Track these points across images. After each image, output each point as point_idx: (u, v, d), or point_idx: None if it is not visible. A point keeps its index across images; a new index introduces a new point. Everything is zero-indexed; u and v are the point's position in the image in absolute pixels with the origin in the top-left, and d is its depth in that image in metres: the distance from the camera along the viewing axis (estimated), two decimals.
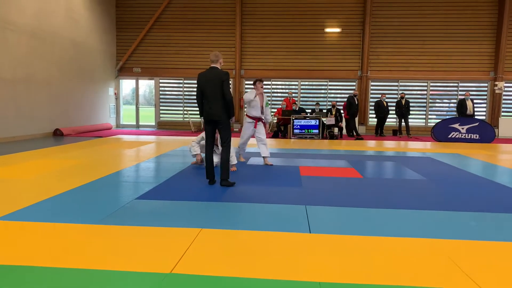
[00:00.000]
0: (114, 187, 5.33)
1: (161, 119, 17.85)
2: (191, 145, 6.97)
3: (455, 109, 15.22)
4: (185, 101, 17.72)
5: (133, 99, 18.49)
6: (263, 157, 7.37)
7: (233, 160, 6.63)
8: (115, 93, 17.66)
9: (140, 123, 18.19)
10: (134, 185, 5.54)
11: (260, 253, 3.00)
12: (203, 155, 6.72)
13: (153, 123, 18.02)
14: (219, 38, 16.91)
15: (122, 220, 3.78)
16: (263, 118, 7.32)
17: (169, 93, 17.96)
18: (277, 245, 3.17)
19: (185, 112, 17.52)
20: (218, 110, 5.19)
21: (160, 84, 17.72)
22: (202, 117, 5.42)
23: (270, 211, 4.19)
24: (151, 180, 5.75)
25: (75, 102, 14.41)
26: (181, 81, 17.60)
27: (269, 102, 5.57)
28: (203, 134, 6.73)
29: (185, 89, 17.70)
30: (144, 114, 18.65)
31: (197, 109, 17.15)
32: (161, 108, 17.87)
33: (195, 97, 17.44)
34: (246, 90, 17.41)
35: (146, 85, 18.95)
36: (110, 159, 7.84)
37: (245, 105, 7.29)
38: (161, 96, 17.82)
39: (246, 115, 7.25)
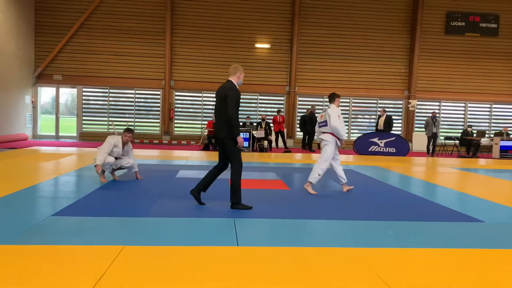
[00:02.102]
0: (27, 203, 4.90)
1: (83, 130, 16.88)
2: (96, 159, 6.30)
3: (374, 124, 16.51)
4: (110, 111, 16.96)
5: (53, 108, 17.29)
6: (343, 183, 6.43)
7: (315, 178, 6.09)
8: (32, 101, 16.39)
9: (60, 134, 17.03)
10: (51, 200, 5.14)
11: (187, 269, 2.92)
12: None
13: (75, 134, 16.97)
14: (148, 47, 16.52)
15: (35, 240, 3.48)
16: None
17: (93, 103, 17.08)
18: (204, 260, 3.11)
19: (111, 123, 16.77)
20: (221, 127, 4.82)
21: (83, 93, 16.80)
22: None
23: (197, 225, 4.12)
24: (70, 195, 5.38)
25: None
26: (107, 90, 16.84)
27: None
28: (107, 140, 6.35)
29: (110, 98, 16.96)
30: (65, 124, 17.50)
31: (124, 119, 16.69)
32: (83, 118, 16.91)
33: (121, 107, 17.02)
34: (177, 101, 17.15)
35: (68, 94, 17.85)
36: (24, 172, 7.22)
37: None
38: (84, 106, 16.88)
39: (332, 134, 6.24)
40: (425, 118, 15.64)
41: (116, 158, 6.48)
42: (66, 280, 2.66)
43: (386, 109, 16.03)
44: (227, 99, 4.75)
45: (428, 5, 17.22)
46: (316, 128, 6.66)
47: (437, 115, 15.42)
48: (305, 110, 16.09)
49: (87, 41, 16.28)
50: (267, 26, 16.99)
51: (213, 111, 16.47)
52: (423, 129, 15.37)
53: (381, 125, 14.54)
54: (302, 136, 15.86)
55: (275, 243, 3.61)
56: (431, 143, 14.70)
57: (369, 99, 17.76)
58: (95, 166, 6.32)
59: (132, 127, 7.03)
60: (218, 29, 16.76)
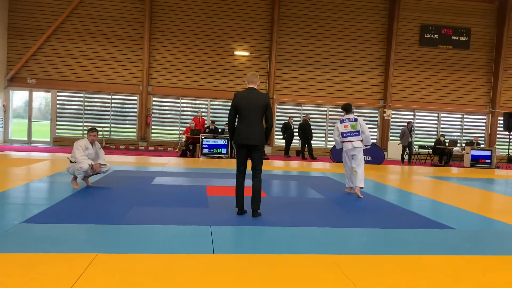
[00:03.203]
0: None
1: (57, 135, 16.48)
2: (78, 162, 6.10)
3: None
4: (85, 116, 16.63)
5: (26, 112, 16.83)
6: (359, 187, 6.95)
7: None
8: (3, 105, 15.91)
9: (32, 139, 16.57)
10: (21, 207, 4.99)
11: (162, 277, 2.88)
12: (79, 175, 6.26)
13: (48, 139, 16.55)
14: (126, 52, 16.33)
15: (4, 247, 3.36)
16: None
17: (68, 107, 16.71)
18: (179, 268, 3.07)
19: (86, 128, 16.42)
20: (257, 135, 4.83)
21: (58, 97, 16.43)
22: (233, 141, 4.97)
23: (173, 233, 4.07)
24: (42, 202, 5.23)
25: None
26: (82, 95, 16.53)
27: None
28: (77, 146, 6.17)
29: (86, 103, 16.65)
30: (38, 129, 17.07)
31: (99, 125, 16.34)
32: (58, 123, 16.51)
33: (96, 112, 16.71)
34: (154, 106, 16.98)
35: (41, 98, 17.42)
36: None
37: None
38: (58, 110, 16.50)
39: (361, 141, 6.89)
40: (401, 128, 15.98)
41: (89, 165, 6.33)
42: None
43: (333, 117, 16.26)
44: (269, 108, 4.91)
45: (403, 17, 17.70)
46: (337, 138, 7.05)
47: (413, 125, 15.76)
48: (287, 118, 16.12)
49: (63, 45, 15.97)
50: (246, 34, 17.08)
51: (191, 117, 16.45)
52: (398, 139, 15.67)
53: None
54: (284, 144, 15.79)
55: (251, 251, 3.60)
56: (406, 152, 15.01)
57: None
58: (89, 165, 6.14)
59: (98, 128, 6.87)
60: (197, 35, 16.74)
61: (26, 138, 16.51)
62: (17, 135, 16.92)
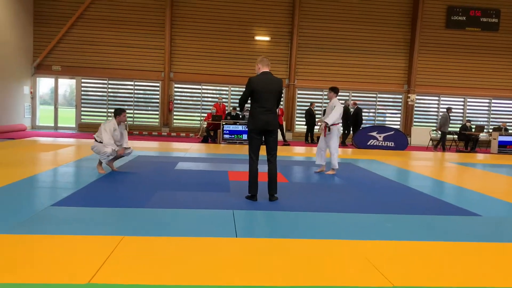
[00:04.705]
0: (27, 193, 4.91)
1: (82, 121, 16.86)
2: (104, 144, 6.21)
3: (373, 118, 17.48)
4: (109, 102, 16.93)
5: (52, 99, 17.25)
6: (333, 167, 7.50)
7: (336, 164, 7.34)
8: (30, 92, 16.34)
9: (59, 125, 17.01)
10: (50, 190, 5.16)
11: (185, 259, 2.94)
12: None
13: (74, 125, 16.95)
14: (148, 39, 16.44)
15: (34, 229, 3.49)
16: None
17: (92, 94, 17.04)
18: (203, 251, 3.13)
19: (110, 114, 16.73)
20: (275, 119, 4.86)
21: (82, 84, 16.75)
22: (251, 127, 4.83)
23: (196, 217, 4.13)
24: (70, 186, 5.39)
25: None
26: (106, 82, 16.80)
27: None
28: (105, 128, 6.29)
29: (109, 90, 16.92)
30: (64, 115, 17.48)
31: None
32: (82, 109, 16.88)
33: (120, 98, 16.95)
34: (176, 93, 17.11)
35: (67, 85, 17.80)
36: (23, 162, 7.22)
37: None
38: (83, 97, 16.84)
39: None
40: (426, 113, 15.55)
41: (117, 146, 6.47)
42: (66, 269, 2.67)
43: (358, 103, 15.83)
44: (280, 94, 5.01)
45: None
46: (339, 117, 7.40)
47: (451, 111, 15.19)
48: (308, 104, 16.01)
49: (86, 32, 16.19)
50: (267, 18, 16.91)
51: (212, 103, 16.51)
52: (434, 125, 15.14)
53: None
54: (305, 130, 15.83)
55: (273, 235, 3.63)
56: (442, 138, 14.52)
57: (369, 93, 17.74)
58: (114, 150, 6.28)
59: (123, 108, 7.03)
60: (218, 21, 16.68)
61: (52, 124, 16.95)
62: (44, 121, 17.39)
